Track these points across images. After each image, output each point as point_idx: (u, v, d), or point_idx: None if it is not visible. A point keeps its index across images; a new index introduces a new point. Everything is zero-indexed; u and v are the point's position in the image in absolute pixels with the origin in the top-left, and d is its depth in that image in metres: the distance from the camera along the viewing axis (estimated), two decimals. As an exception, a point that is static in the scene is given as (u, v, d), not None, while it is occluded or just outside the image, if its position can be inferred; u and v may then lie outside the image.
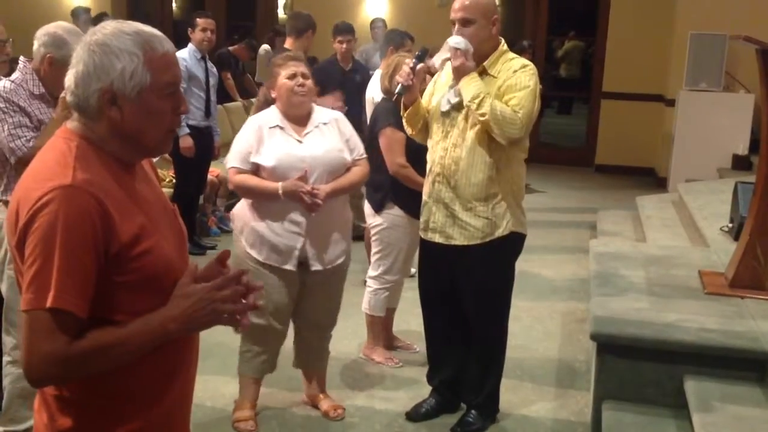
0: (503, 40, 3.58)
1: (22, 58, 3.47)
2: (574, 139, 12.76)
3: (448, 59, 3.49)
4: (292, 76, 3.67)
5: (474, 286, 3.71)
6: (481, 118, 3.39)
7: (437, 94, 3.69)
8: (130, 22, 1.80)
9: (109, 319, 1.70)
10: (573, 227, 8.06)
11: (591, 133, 11.53)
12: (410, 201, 4.22)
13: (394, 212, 4.42)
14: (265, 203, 3.65)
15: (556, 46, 14.53)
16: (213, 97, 6.72)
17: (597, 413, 3.64)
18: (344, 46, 6.61)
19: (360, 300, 4.72)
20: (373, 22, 9.51)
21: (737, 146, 8.97)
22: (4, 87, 3.37)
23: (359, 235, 6.83)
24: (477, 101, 3.38)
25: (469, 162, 3.52)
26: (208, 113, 6.62)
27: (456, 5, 3.47)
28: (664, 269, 4.55)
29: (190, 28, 6.64)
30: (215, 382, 4.25)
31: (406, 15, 10.71)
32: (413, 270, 5.28)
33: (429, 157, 3.71)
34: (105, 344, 1.68)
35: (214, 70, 6.88)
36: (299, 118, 3.71)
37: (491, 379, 3.89)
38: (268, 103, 3.83)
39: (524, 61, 3.54)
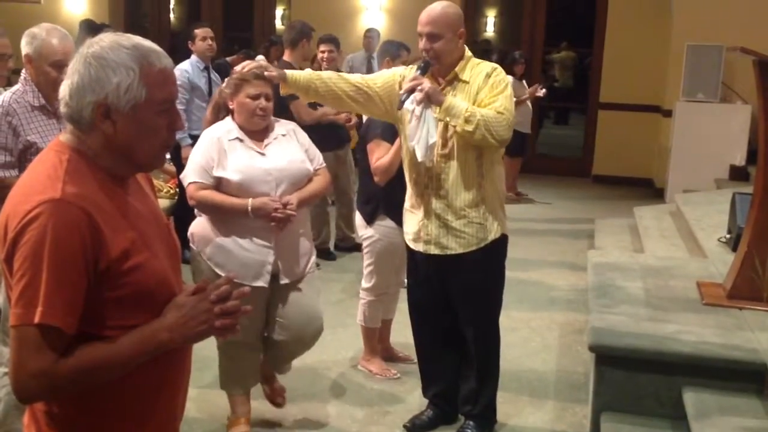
0: (466, 47, 3.63)
1: (23, 70, 3.47)
2: (571, 149, 12.77)
3: (414, 106, 3.41)
4: (255, 97, 3.57)
5: (470, 292, 3.72)
6: (468, 130, 3.38)
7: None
8: (128, 35, 1.79)
9: (98, 334, 1.69)
10: (570, 238, 8.05)
11: (588, 143, 11.56)
12: (401, 213, 4.22)
13: (386, 224, 4.40)
14: (230, 219, 3.56)
15: (551, 55, 14.56)
16: None
17: (596, 425, 3.63)
18: (326, 55, 6.69)
19: (356, 311, 4.71)
20: (367, 31, 9.53)
21: (734, 157, 8.98)
22: (2, 101, 3.38)
23: (353, 245, 6.84)
24: (464, 117, 3.37)
25: (458, 170, 3.54)
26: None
27: (423, 19, 3.50)
28: (662, 280, 4.54)
29: (189, 41, 6.65)
30: (211, 395, 4.22)
31: (402, 26, 10.73)
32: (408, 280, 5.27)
33: (412, 169, 3.67)
34: (94, 360, 1.67)
35: (218, 79, 6.88)
36: (257, 132, 3.65)
37: (488, 389, 3.88)
38: (222, 108, 3.73)
39: (491, 63, 3.61)
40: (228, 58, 9.25)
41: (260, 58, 9.02)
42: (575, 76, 14.54)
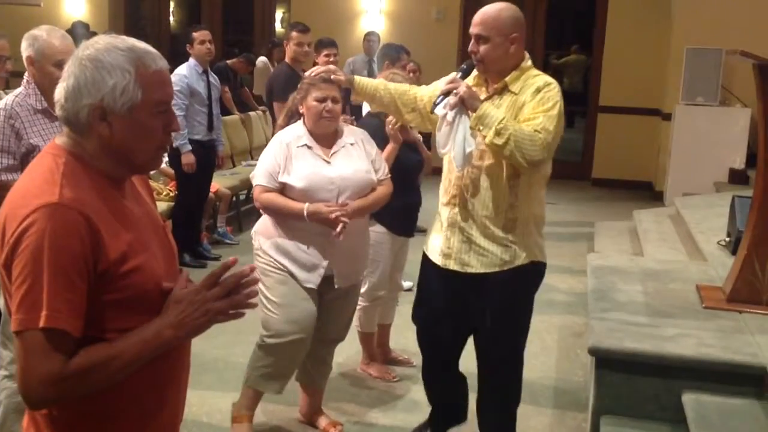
0: (527, 56, 3.34)
1: (26, 73, 3.48)
2: (571, 153, 12.77)
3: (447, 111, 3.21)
4: (322, 99, 3.62)
5: (491, 318, 3.42)
6: (497, 143, 3.09)
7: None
8: (123, 37, 1.79)
9: (99, 338, 1.68)
10: (570, 241, 8.05)
11: (588, 146, 11.57)
12: (392, 218, 4.28)
13: (377, 229, 4.36)
14: (291, 221, 3.63)
15: (553, 60, 14.56)
16: (216, 110, 6.72)
17: (595, 429, 3.61)
18: (330, 60, 6.49)
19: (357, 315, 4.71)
20: (367, 34, 9.53)
21: (734, 160, 8.99)
22: (5, 105, 3.39)
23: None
24: (495, 129, 3.08)
25: (488, 184, 3.28)
26: (210, 127, 6.63)
27: (475, 19, 3.27)
28: (662, 283, 4.53)
29: (188, 44, 6.63)
30: (212, 398, 4.23)
31: (401, 29, 10.75)
32: (407, 284, 5.27)
33: (444, 178, 3.47)
34: (101, 360, 1.66)
35: (218, 82, 6.88)
36: (326, 138, 3.70)
37: (507, 422, 3.70)
38: (295, 114, 3.81)
39: (548, 78, 3.28)
40: (228, 61, 9.25)
41: (263, 59, 9.05)
42: (583, 79, 14.54)
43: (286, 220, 3.66)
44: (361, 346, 4.71)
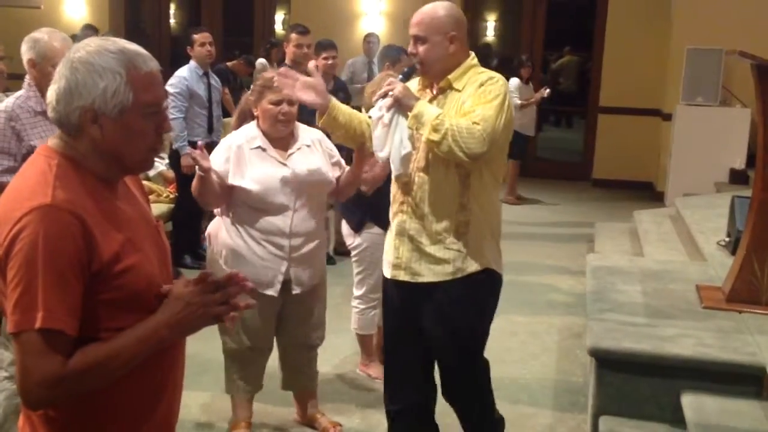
0: (473, 54, 3.21)
1: (27, 76, 3.50)
2: (572, 153, 12.79)
3: (382, 113, 3.08)
4: (278, 102, 3.53)
5: (443, 330, 3.21)
6: (433, 139, 2.95)
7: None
8: (115, 39, 1.80)
9: (94, 337, 1.69)
10: (570, 241, 8.05)
11: (588, 147, 11.56)
12: (389, 220, 4.23)
13: (374, 231, 4.34)
14: (246, 226, 3.56)
15: (551, 61, 14.57)
16: (216, 112, 6.71)
17: (595, 429, 3.62)
18: (329, 62, 6.42)
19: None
20: (367, 36, 9.52)
21: (734, 160, 8.99)
22: (5, 106, 3.41)
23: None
24: (431, 125, 2.94)
25: (436, 187, 3.09)
26: (210, 129, 6.62)
27: (413, 19, 3.16)
28: (662, 284, 4.54)
29: (188, 46, 6.63)
30: (210, 399, 4.23)
31: (401, 31, 10.72)
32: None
33: (392, 185, 3.29)
34: (99, 360, 1.67)
35: (219, 84, 6.87)
36: (281, 140, 3.61)
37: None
38: (248, 115, 3.72)
39: (492, 73, 3.13)
40: (228, 63, 9.25)
41: (261, 61, 9.04)
42: (578, 80, 14.56)
43: (239, 224, 3.57)
44: (360, 347, 4.71)
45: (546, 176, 11.27)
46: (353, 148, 3.46)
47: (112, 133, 1.73)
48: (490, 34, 15.68)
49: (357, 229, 4.43)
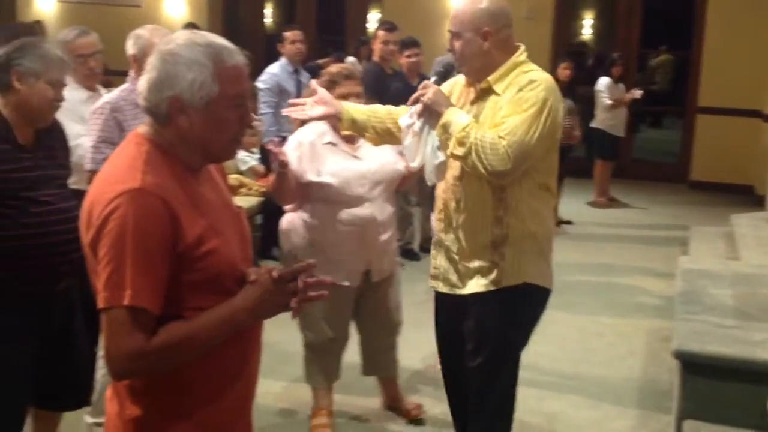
0: (521, 50, 2.95)
1: (131, 70, 3.68)
2: (666, 154, 12.47)
3: (412, 122, 2.95)
4: (345, 96, 3.52)
5: (473, 344, 3.06)
6: (458, 154, 2.79)
7: None
8: (203, 33, 1.87)
9: (177, 315, 1.77)
10: (663, 244, 7.86)
11: (685, 148, 11.24)
12: None
13: None
14: (325, 219, 3.60)
15: (650, 59, 14.26)
16: None
17: (678, 433, 3.55)
18: (412, 59, 6.49)
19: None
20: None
21: (840, 163, 8.62)
22: (111, 98, 3.60)
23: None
24: (456, 138, 2.79)
25: (470, 199, 2.92)
26: (300, 124, 6.71)
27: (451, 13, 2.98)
28: (754, 288, 4.40)
29: (279, 43, 6.76)
30: (292, 387, 4.31)
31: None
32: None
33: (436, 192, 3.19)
34: (180, 337, 1.75)
35: (309, 81, 6.96)
36: (350, 134, 3.59)
37: None
38: None
39: (536, 75, 2.85)
40: (319, 61, 9.37)
41: (351, 59, 9.12)
42: (675, 79, 14.21)
43: (314, 217, 3.62)
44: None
45: (641, 177, 11.00)
46: (394, 144, 3.34)
47: (198, 122, 1.80)
48: (586, 33, 15.46)
49: None
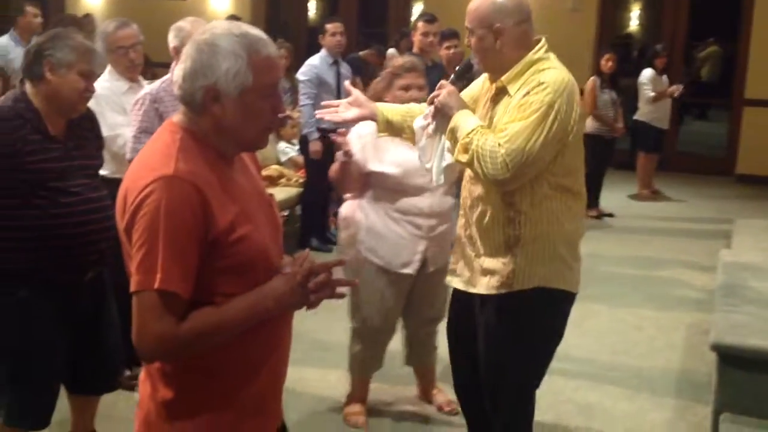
0: (539, 46, 2.82)
1: (174, 62, 3.74)
2: (711, 147, 12.27)
3: (426, 124, 2.91)
4: (407, 88, 3.57)
5: (487, 348, 2.96)
6: (462, 161, 2.75)
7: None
8: (239, 23, 1.90)
9: (207, 301, 1.80)
10: (707, 238, 7.75)
11: (732, 141, 11.07)
12: None
13: None
14: (386, 207, 3.65)
15: (698, 51, 14.03)
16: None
17: (715, 427, 3.50)
18: (451, 51, 6.45)
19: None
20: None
21: None
22: (151, 89, 3.67)
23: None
24: (461, 144, 2.73)
25: (485, 196, 2.83)
26: None
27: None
28: (796, 281, 4.33)
29: (320, 35, 6.80)
30: (329, 375, 4.35)
31: (534, 20, 10.58)
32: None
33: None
34: (209, 323, 1.79)
35: (349, 73, 6.99)
36: None
37: None
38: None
39: (546, 77, 2.70)
40: (361, 53, 9.40)
41: (392, 51, 9.12)
42: (722, 72, 13.96)
43: (373, 205, 3.66)
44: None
45: (686, 170, 10.85)
46: None
47: (232, 111, 1.83)
48: (633, 24, 15.27)
49: None
